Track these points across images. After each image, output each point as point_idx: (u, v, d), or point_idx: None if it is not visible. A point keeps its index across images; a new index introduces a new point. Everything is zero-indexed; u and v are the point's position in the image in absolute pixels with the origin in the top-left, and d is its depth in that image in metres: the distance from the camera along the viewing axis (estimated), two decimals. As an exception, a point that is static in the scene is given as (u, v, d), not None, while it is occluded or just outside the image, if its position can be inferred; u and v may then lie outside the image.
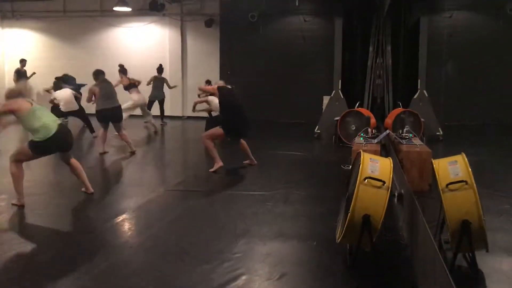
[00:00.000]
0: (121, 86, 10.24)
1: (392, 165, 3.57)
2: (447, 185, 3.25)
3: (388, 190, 3.38)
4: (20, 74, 13.24)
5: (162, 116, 12.06)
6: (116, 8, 12.44)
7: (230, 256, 3.56)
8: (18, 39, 14.93)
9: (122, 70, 10.59)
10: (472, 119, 10.66)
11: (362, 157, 3.55)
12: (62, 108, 9.83)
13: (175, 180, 6.17)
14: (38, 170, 6.36)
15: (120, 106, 7.96)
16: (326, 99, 11.17)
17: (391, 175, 3.47)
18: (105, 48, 14.27)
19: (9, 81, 14.15)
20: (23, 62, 13.51)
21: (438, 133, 9.39)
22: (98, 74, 7.92)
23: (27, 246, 3.80)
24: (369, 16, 11.03)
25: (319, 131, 10.05)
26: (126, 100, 9.95)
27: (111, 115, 7.67)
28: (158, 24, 13.90)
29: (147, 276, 3.23)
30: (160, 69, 11.90)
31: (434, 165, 3.51)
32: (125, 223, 4.45)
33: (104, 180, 6.51)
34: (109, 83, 8.02)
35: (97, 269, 3.32)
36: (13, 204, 4.74)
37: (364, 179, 3.37)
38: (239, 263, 3.44)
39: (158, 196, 5.29)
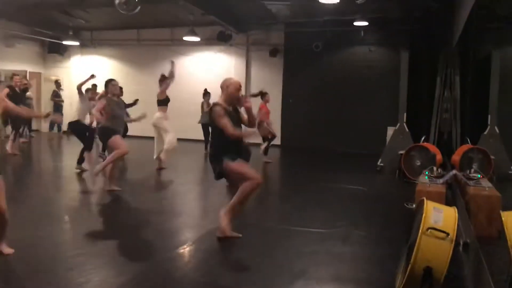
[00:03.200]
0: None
1: (457, 215, 3.45)
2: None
3: (452, 243, 3.26)
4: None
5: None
6: (186, 38, 12.98)
7: (286, 298, 3.55)
8: (95, 65, 15.90)
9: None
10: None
11: (425, 205, 3.45)
12: None
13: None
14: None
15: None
16: (390, 130, 10.97)
17: (455, 226, 3.35)
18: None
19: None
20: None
21: (510, 171, 8.91)
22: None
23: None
24: (437, 48, 10.77)
25: (382, 164, 9.85)
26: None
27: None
28: (225, 53, 14.36)
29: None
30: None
31: (503, 218, 3.34)
32: (185, 255, 4.57)
33: (164, 206, 6.69)
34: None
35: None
36: None
37: (427, 230, 3.27)
38: (295, 307, 3.42)
39: (215, 228, 5.31)
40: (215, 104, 4.73)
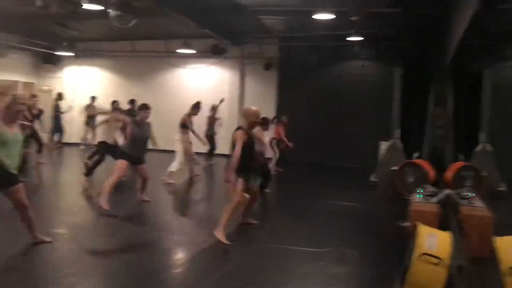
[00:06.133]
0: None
1: (451, 240, 3.46)
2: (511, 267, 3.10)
3: (446, 268, 3.27)
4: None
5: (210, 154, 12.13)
6: (179, 50, 13.00)
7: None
8: (89, 76, 15.88)
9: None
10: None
11: (419, 230, 3.47)
12: None
13: (227, 229, 6.05)
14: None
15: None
16: (383, 145, 11.01)
17: (450, 252, 3.36)
18: (168, 87, 14.93)
19: (78, 114, 14.97)
20: (93, 98, 14.32)
21: (500, 189, 8.98)
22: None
23: None
24: (430, 64, 10.87)
25: (375, 179, 9.87)
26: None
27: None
28: (218, 66, 14.39)
29: None
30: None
31: (496, 243, 3.37)
32: (178, 276, 4.53)
33: (153, 226, 6.65)
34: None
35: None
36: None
37: (421, 255, 3.28)
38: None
39: (208, 247, 5.29)
40: (239, 128, 5.58)
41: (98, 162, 8.52)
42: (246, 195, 5.75)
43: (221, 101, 11.85)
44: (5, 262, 4.53)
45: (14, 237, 4.86)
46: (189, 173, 9.73)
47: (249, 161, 5.57)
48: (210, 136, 11.77)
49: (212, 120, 11.99)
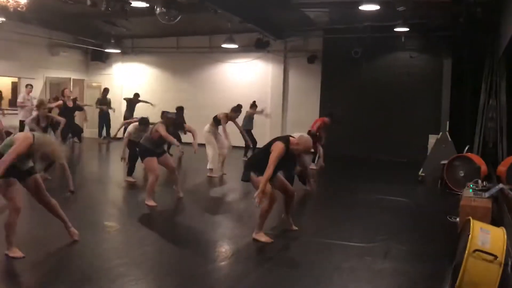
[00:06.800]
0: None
1: (505, 236, 3.32)
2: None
3: (500, 266, 3.14)
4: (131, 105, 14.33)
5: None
6: (224, 45, 13.09)
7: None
8: (136, 72, 16.25)
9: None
10: None
11: (471, 226, 3.34)
12: None
13: (272, 222, 5.88)
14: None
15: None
16: (432, 138, 10.67)
17: (504, 248, 3.22)
18: (212, 82, 15.06)
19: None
20: (136, 95, 14.59)
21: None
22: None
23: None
24: (481, 55, 10.44)
25: (423, 174, 9.59)
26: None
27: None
28: (262, 60, 14.38)
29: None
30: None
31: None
32: (225, 267, 4.58)
33: (204, 217, 6.73)
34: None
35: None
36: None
37: (474, 251, 3.16)
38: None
39: (253, 241, 5.30)
40: (283, 140, 5.13)
41: (133, 159, 8.48)
42: (281, 192, 5.57)
43: (263, 111, 11.90)
44: (56, 253, 4.72)
45: (64, 228, 5.02)
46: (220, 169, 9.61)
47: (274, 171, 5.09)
48: (248, 131, 11.62)
49: (251, 115, 12.02)
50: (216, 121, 9.53)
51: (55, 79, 15.38)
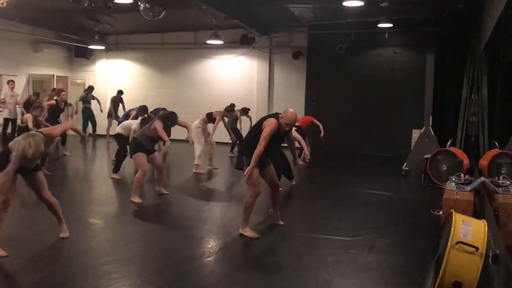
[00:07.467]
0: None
1: (486, 228, 3.39)
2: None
3: (481, 257, 3.21)
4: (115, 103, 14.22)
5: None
6: (209, 41, 13.05)
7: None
8: (120, 69, 16.13)
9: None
10: None
11: (454, 218, 3.41)
12: None
13: (257, 218, 5.96)
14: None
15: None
16: (415, 133, 10.83)
17: (485, 240, 3.30)
18: (197, 78, 15.01)
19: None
20: (120, 92, 14.45)
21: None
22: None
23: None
24: (463, 50, 10.59)
25: (407, 168, 9.72)
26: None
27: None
28: (247, 56, 14.37)
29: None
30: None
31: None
32: (211, 263, 4.60)
33: (186, 214, 6.74)
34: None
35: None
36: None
37: (456, 244, 3.23)
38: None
39: (239, 236, 5.33)
40: (274, 116, 5.08)
41: (120, 155, 8.60)
42: (269, 184, 5.58)
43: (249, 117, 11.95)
44: (43, 252, 4.70)
45: (53, 226, 5.00)
46: (209, 163, 9.72)
47: (266, 152, 5.02)
48: (233, 129, 11.48)
49: (237, 116, 12.01)
50: (210, 118, 9.57)
51: (38, 76, 15.19)
